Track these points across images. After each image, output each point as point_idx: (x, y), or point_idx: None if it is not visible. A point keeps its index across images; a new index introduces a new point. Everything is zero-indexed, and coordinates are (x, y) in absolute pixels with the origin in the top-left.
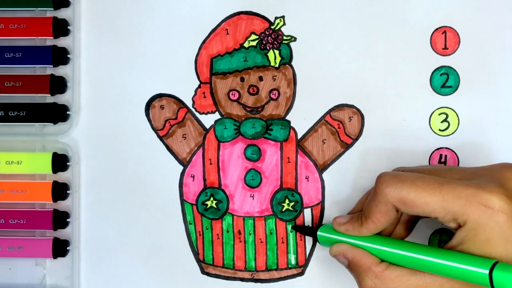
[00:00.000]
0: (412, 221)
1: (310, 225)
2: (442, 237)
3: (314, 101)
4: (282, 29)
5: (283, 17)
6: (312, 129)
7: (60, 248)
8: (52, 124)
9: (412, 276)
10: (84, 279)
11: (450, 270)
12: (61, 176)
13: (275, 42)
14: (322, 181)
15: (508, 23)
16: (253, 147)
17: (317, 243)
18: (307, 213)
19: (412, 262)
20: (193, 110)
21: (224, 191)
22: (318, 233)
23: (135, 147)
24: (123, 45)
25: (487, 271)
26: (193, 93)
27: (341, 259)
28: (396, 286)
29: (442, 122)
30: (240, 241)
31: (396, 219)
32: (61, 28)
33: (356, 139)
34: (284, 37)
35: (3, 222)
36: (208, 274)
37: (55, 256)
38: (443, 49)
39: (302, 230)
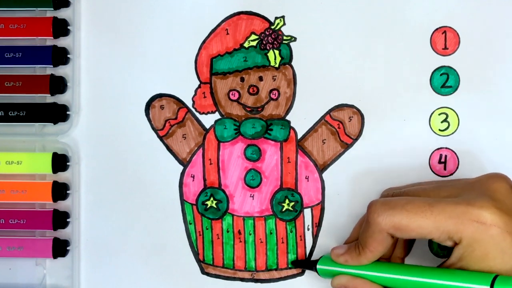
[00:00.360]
0: (409, 241)
1: (311, 225)
2: None
3: (314, 101)
4: (282, 29)
5: (283, 17)
6: (312, 129)
7: (60, 248)
8: (52, 124)
9: None
10: (84, 279)
11: None
12: (61, 176)
13: (275, 42)
14: (322, 181)
15: (508, 23)
16: (253, 147)
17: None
18: (307, 213)
19: (413, 285)
20: (193, 110)
21: (224, 191)
22: (318, 266)
23: (135, 147)
24: (123, 45)
25: (488, 287)
26: (193, 93)
27: None
28: None
29: (442, 122)
30: (240, 241)
31: (392, 244)
32: (61, 28)
33: (356, 139)
34: (284, 37)
35: (3, 222)
36: (208, 274)
37: (55, 256)
38: (443, 49)
39: (302, 264)
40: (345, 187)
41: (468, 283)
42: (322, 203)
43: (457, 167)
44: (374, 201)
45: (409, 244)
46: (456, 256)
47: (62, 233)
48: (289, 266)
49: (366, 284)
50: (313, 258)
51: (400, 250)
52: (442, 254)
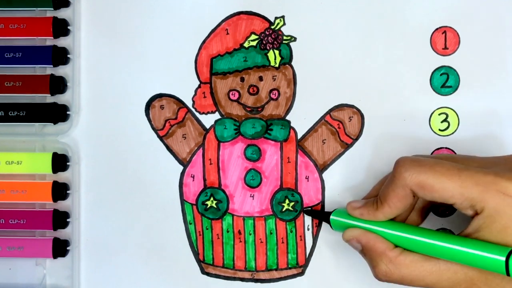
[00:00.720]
0: (427, 209)
1: (311, 225)
2: None
3: (314, 101)
4: (282, 29)
5: (283, 17)
6: (312, 129)
7: (60, 248)
8: (52, 124)
9: (426, 262)
10: (84, 279)
11: (465, 256)
12: (61, 176)
13: (275, 42)
14: (322, 181)
15: (508, 23)
16: (253, 147)
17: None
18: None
19: (426, 248)
20: (193, 110)
21: (224, 191)
22: (332, 217)
23: (135, 147)
24: (123, 45)
25: (503, 258)
26: (193, 93)
27: (355, 244)
28: (410, 272)
29: (442, 122)
30: (240, 241)
31: (411, 205)
32: (61, 28)
33: (356, 139)
34: (284, 37)
35: (3, 222)
36: (208, 274)
37: (55, 256)
38: (443, 49)
39: (315, 214)
40: (345, 187)
41: (482, 251)
42: (322, 203)
43: None
44: (403, 157)
45: (425, 212)
46: (474, 226)
47: (62, 233)
48: (289, 266)
49: (378, 240)
50: (313, 258)
51: (415, 217)
52: None
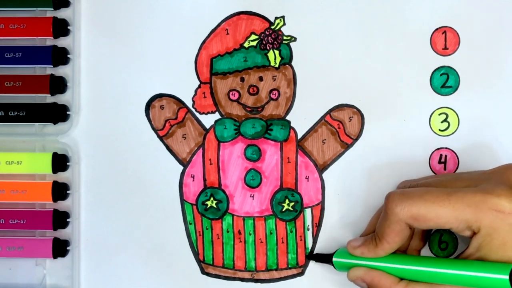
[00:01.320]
0: (426, 232)
1: (311, 225)
2: (442, 237)
3: (314, 101)
4: (282, 29)
5: (283, 17)
6: (312, 129)
7: (60, 248)
8: (52, 124)
9: None
10: (84, 279)
11: (469, 280)
12: (61, 176)
13: (275, 42)
14: (322, 181)
15: (508, 23)
16: (253, 147)
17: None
18: (307, 213)
19: (431, 277)
20: (193, 110)
21: (224, 191)
22: (334, 259)
23: (135, 147)
24: (123, 45)
25: (506, 276)
26: (193, 93)
27: (360, 283)
28: None
29: (442, 122)
30: (240, 241)
31: (409, 236)
32: (61, 28)
33: (356, 139)
34: (284, 37)
35: (3, 222)
36: (208, 274)
37: (55, 256)
38: (443, 49)
39: (318, 258)
40: (345, 187)
41: (484, 273)
42: (322, 203)
43: (457, 167)
44: (392, 192)
45: (426, 235)
46: (474, 246)
47: (62, 233)
48: (289, 266)
49: (383, 276)
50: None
51: (417, 242)
52: (442, 254)
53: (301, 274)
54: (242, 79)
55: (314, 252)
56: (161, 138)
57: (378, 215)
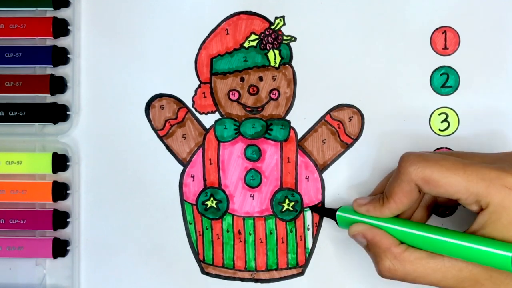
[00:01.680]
0: (433, 206)
1: (311, 225)
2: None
3: (314, 101)
4: (282, 29)
5: (283, 17)
6: (312, 129)
7: (60, 248)
8: (52, 124)
9: (431, 259)
10: (84, 279)
11: (471, 253)
12: (61, 176)
13: (275, 42)
14: (322, 181)
15: (508, 23)
16: (253, 147)
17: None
18: (307, 213)
19: (431, 244)
20: (193, 110)
21: (224, 191)
22: (338, 213)
23: (135, 147)
24: (123, 45)
25: (510, 254)
26: (193, 93)
27: (360, 239)
28: (415, 269)
29: (442, 122)
30: (240, 241)
31: (417, 202)
32: (61, 28)
33: (356, 139)
34: (284, 37)
35: (3, 222)
36: (208, 274)
37: (55, 256)
38: (443, 49)
39: (321, 211)
40: (345, 187)
41: (488, 247)
42: (322, 203)
43: None
44: (408, 152)
45: (431, 209)
46: (479, 222)
47: (62, 233)
48: (289, 266)
49: (384, 235)
50: (313, 258)
51: (422, 213)
52: None
53: (301, 274)
54: (242, 79)
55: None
56: (161, 138)
57: (388, 178)
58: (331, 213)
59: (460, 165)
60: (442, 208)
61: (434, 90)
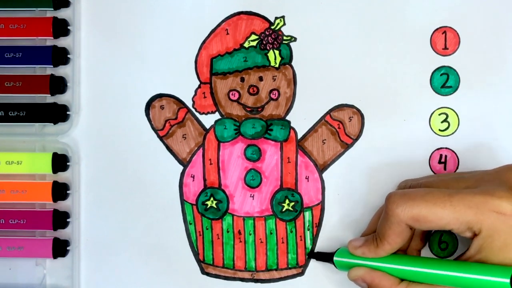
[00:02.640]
0: (427, 232)
1: (311, 225)
2: (442, 238)
3: (314, 101)
4: (282, 29)
5: (283, 17)
6: (312, 129)
7: (60, 248)
8: (52, 124)
9: None
10: (84, 279)
11: (470, 282)
12: (61, 176)
13: (275, 42)
14: (322, 181)
15: (508, 23)
16: (253, 147)
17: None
18: (307, 213)
19: (431, 278)
20: (193, 110)
21: (224, 191)
22: (335, 258)
23: (135, 147)
24: (123, 45)
25: (508, 280)
26: (193, 93)
27: (360, 283)
28: None
29: (442, 122)
30: (240, 241)
31: (411, 235)
32: (61, 28)
33: (356, 139)
34: (284, 37)
35: (3, 222)
36: (208, 274)
37: (55, 256)
38: (443, 49)
39: (319, 257)
40: (345, 187)
41: (486, 276)
42: (322, 203)
43: (457, 167)
44: (392, 193)
45: (426, 235)
46: (475, 247)
47: (62, 233)
48: (289, 266)
49: (383, 277)
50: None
51: (417, 242)
52: (442, 254)
53: (301, 274)
54: (242, 79)
55: (315, 251)
56: (161, 138)
57: (379, 215)
58: (328, 258)
59: (446, 196)
60: None
61: (434, 90)
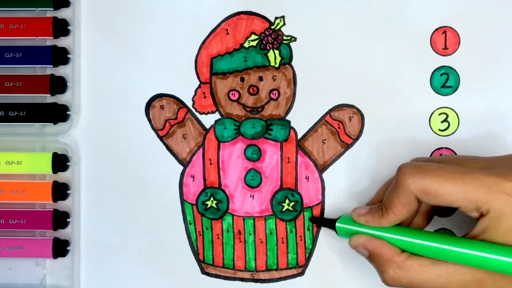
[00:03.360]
0: (431, 212)
1: (311, 225)
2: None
3: (314, 101)
4: (282, 29)
5: (283, 17)
6: (312, 129)
7: (60, 248)
8: (52, 124)
9: (434, 265)
10: (84, 279)
11: (473, 259)
12: (61, 176)
13: (275, 42)
14: (322, 181)
15: (508, 23)
16: (253, 147)
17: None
18: (307, 213)
19: (434, 252)
20: (193, 110)
21: (224, 191)
22: (337, 224)
23: (135, 147)
24: (123, 45)
25: (511, 259)
26: (193, 93)
27: (361, 250)
28: (419, 276)
29: (442, 122)
30: (240, 241)
31: (416, 210)
32: (61, 28)
33: (356, 139)
34: (284, 37)
35: (3, 222)
36: (208, 274)
37: (55, 256)
38: (443, 49)
39: (320, 222)
40: (345, 187)
41: (490, 254)
42: (322, 203)
43: None
44: (405, 164)
45: (430, 215)
46: (480, 227)
47: (62, 233)
48: (289, 266)
49: (385, 245)
50: (313, 258)
51: (421, 220)
52: None
53: (301, 274)
54: (242, 79)
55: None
56: (161, 138)
57: (386, 186)
58: (330, 224)
59: (458, 173)
60: (442, 208)
61: (434, 90)
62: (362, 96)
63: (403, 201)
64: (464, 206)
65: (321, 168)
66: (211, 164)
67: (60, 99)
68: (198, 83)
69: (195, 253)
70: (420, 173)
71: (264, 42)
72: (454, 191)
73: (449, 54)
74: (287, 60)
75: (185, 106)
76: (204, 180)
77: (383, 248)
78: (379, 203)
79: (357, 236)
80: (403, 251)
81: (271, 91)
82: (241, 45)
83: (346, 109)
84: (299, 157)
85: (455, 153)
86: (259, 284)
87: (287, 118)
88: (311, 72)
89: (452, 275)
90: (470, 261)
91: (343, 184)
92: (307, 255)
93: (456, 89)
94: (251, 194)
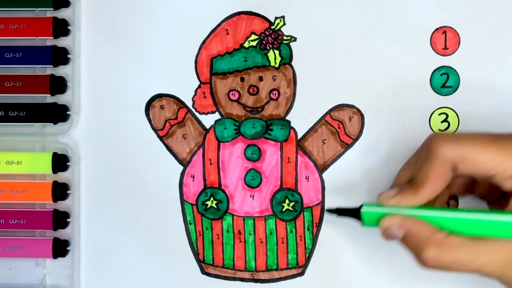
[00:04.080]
0: (448, 198)
1: (311, 225)
2: None
3: (314, 101)
4: (282, 29)
5: (283, 17)
6: (312, 129)
7: (60, 248)
8: (52, 124)
9: (475, 243)
10: (84, 279)
11: None
12: (61, 176)
13: (275, 42)
14: (322, 181)
15: (508, 23)
16: (253, 147)
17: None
18: (307, 213)
19: (475, 227)
20: (193, 110)
21: (224, 191)
22: (363, 210)
23: (135, 147)
24: (123, 45)
25: None
26: (193, 93)
27: (395, 231)
28: (461, 255)
29: (442, 122)
30: (240, 241)
31: (449, 183)
32: (61, 28)
33: (356, 139)
34: (284, 37)
35: (3, 222)
36: (208, 274)
37: (55, 256)
38: (443, 49)
39: (341, 212)
40: (345, 187)
41: None
42: (322, 203)
43: None
44: (436, 133)
45: (447, 201)
46: None
47: (62, 233)
48: (289, 266)
49: (422, 225)
50: (313, 258)
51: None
52: None
53: (301, 274)
54: (242, 79)
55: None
56: (161, 138)
57: (408, 167)
58: (353, 213)
59: (493, 141)
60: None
61: (434, 90)
62: (362, 96)
63: (438, 171)
64: (501, 174)
65: (321, 168)
66: (211, 164)
67: (60, 99)
68: (198, 83)
69: (195, 253)
70: (455, 140)
71: (264, 42)
72: (491, 157)
73: (449, 54)
74: (287, 60)
75: (185, 106)
76: (204, 180)
77: (420, 227)
78: (406, 183)
79: (389, 217)
80: (441, 230)
81: (271, 91)
82: (241, 45)
83: (346, 109)
84: (299, 157)
85: None
86: (259, 284)
87: (287, 118)
88: (311, 72)
89: (495, 253)
90: None
91: (343, 184)
92: (307, 255)
93: (456, 89)
94: (251, 194)
